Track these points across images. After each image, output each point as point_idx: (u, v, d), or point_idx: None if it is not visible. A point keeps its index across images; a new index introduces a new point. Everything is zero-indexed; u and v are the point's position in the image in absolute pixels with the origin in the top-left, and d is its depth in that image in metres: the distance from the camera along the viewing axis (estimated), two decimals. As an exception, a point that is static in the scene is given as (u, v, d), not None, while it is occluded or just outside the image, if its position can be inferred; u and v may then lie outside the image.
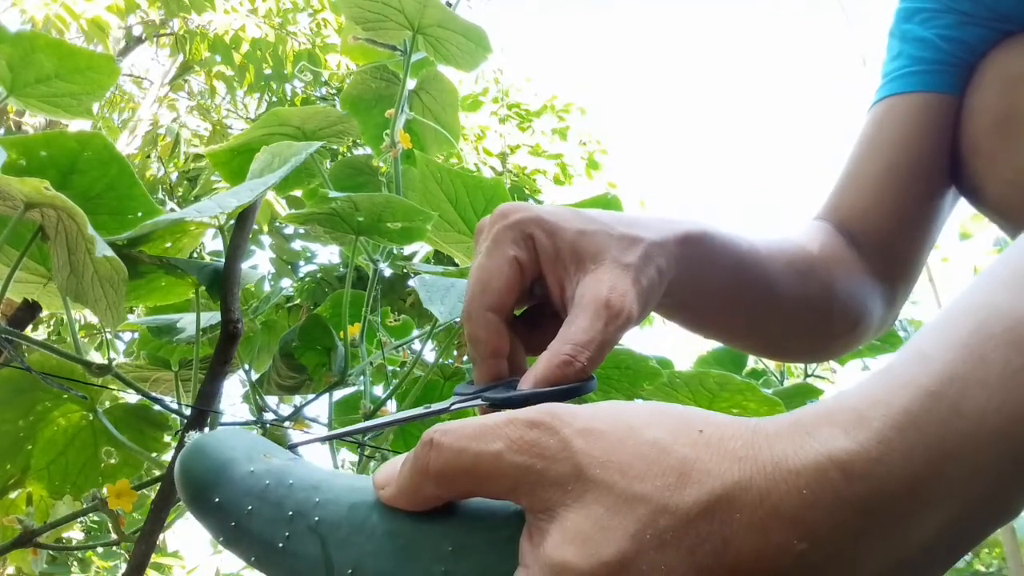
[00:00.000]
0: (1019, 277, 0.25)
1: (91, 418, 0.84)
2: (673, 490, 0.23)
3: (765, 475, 0.23)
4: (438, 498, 0.28)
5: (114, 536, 0.78)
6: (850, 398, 0.24)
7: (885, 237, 0.63)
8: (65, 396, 0.82)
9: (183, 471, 0.32)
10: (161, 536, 0.81)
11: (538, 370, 0.36)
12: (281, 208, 3.96)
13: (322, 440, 0.66)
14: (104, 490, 0.74)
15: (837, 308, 0.58)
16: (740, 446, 0.24)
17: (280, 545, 0.29)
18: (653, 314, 0.47)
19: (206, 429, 0.35)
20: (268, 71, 4.51)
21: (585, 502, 0.24)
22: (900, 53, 0.67)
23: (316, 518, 0.29)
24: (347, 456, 1.27)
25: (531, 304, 0.44)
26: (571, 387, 0.35)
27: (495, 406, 0.37)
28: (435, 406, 0.39)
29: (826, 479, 0.23)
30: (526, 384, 0.36)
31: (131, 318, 1.00)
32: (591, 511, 0.24)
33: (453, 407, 0.38)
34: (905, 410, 0.23)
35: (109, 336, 0.77)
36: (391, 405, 0.98)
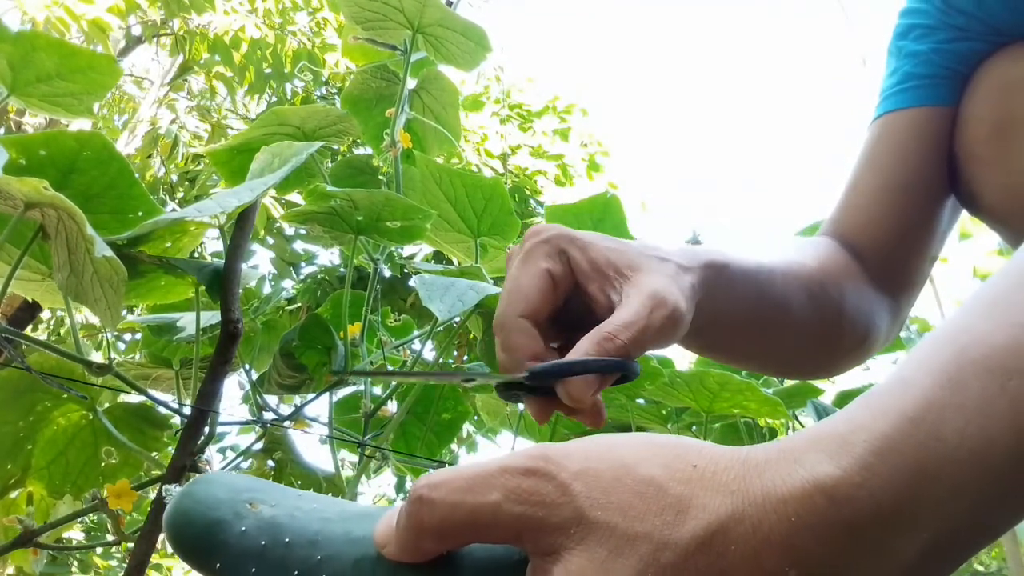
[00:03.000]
0: (999, 304, 0.25)
1: (91, 418, 0.84)
2: (672, 527, 0.24)
3: (756, 505, 0.24)
4: (438, 551, 0.29)
5: (114, 536, 0.78)
6: (836, 424, 0.25)
7: (887, 250, 0.65)
8: (65, 396, 0.82)
9: (175, 542, 0.32)
10: (161, 536, 0.81)
11: (581, 347, 0.37)
12: (277, 211, 3.96)
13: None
14: (104, 490, 0.74)
15: (847, 325, 0.59)
16: (732, 479, 0.25)
17: None
18: None
19: (174, 490, 0.34)
20: (268, 71, 4.51)
21: (588, 544, 0.25)
22: (896, 70, 0.68)
23: None
24: (347, 456, 1.27)
25: (567, 327, 0.45)
26: (617, 361, 0.37)
27: (538, 376, 0.38)
28: (477, 376, 0.40)
29: (813, 505, 0.24)
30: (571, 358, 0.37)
31: (131, 317, 1.00)
32: (594, 553, 0.25)
33: (494, 381, 0.40)
34: (885, 435, 0.24)
35: (109, 336, 0.77)
36: (391, 405, 0.98)
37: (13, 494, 0.90)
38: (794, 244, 0.65)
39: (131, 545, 0.74)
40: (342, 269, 4.68)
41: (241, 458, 0.94)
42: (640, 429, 1.12)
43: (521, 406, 0.82)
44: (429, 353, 1.31)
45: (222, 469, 0.95)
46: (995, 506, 0.24)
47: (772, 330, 0.54)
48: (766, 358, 0.60)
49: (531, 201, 5.50)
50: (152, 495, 0.85)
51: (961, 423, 0.24)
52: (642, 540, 0.24)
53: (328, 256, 4.95)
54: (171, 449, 0.82)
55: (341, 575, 0.29)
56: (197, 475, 0.33)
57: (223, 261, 0.77)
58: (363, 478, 0.97)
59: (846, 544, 0.23)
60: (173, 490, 0.33)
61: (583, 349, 0.37)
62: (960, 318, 0.26)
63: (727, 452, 0.26)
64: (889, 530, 0.24)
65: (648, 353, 0.93)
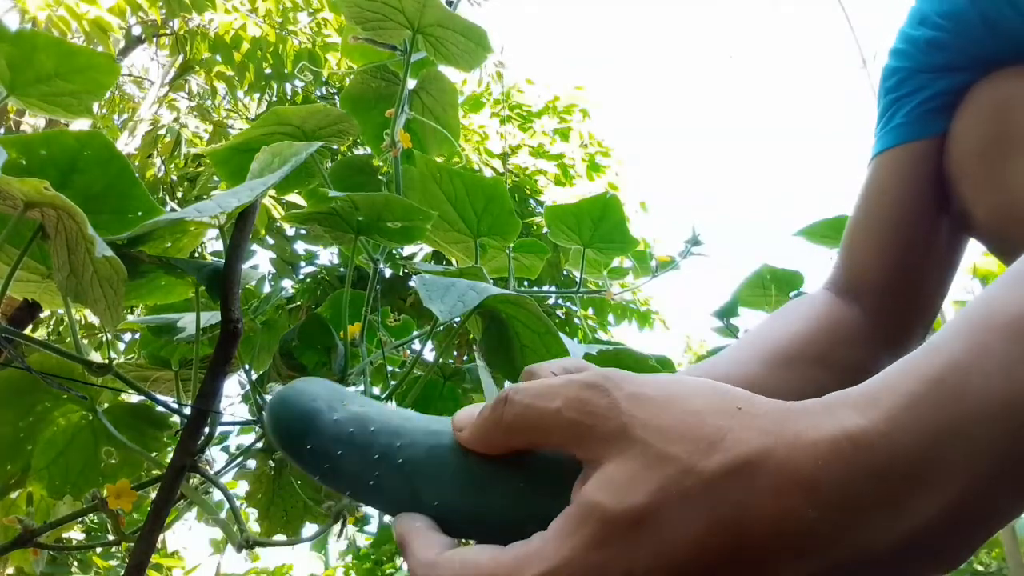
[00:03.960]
0: (1022, 275, 0.27)
1: (91, 418, 0.84)
2: (702, 455, 0.26)
3: (787, 445, 0.26)
4: (506, 446, 0.31)
5: (114, 536, 0.78)
6: (869, 383, 0.27)
7: (893, 287, 0.67)
8: (65, 396, 0.82)
9: (274, 424, 0.36)
10: (161, 536, 0.81)
11: None
12: (277, 212, 3.96)
13: None
14: (104, 490, 0.74)
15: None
16: (770, 422, 0.27)
17: (371, 483, 0.33)
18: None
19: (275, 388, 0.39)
20: (268, 71, 4.50)
21: (625, 457, 0.27)
22: (885, 111, 0.70)
23: (400, 460, 0.33)
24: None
25: None
26: None
27: None
28: None
29: (839, 449, 0.25)
30: None
31: (131, 317, 1.00)
32: (628, 465, 0.27)
33: None
34: (911, 393, 0.25)
35: (109, 336, 0.77)
36: (391, 405, 0.98)
37: (13, 494, 0.90)
38: (795, 317, 0.67)
39: (131, 545, 0.74)
40: (342, 269, 4.68)
41: (241, 458, 0.94)
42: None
43: None
44: (429, 353, 1.32)
45: (222, 469, 0.95)
46: (1017, 467, 0.24)
47: None
48: None
49: (531, 201, 5.49)
50: (152, 495, 0.85)
51: (983, 385, 0.25)
52: (671, 461, 0.26)
53: (328, 256, 4.95)
54: (171, 449, 0.82)
55: (416, 458, 0.32)
56: (297, 380, 0.38)
57: (223, 261, 0.77)
58: (363, 478, 0.97)
59: (866, 491, 0.24)
60: (277, 386, 0.37)
61: None
62: (990, 291, 0.28)
63: (771, 401, 0.28)
64: (908, 484, 0.24)
65: (648, 353, 0.93)
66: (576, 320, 5.00)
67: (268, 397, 0.36)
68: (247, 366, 0.90)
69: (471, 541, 0.31)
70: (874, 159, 0.70)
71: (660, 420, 0.27)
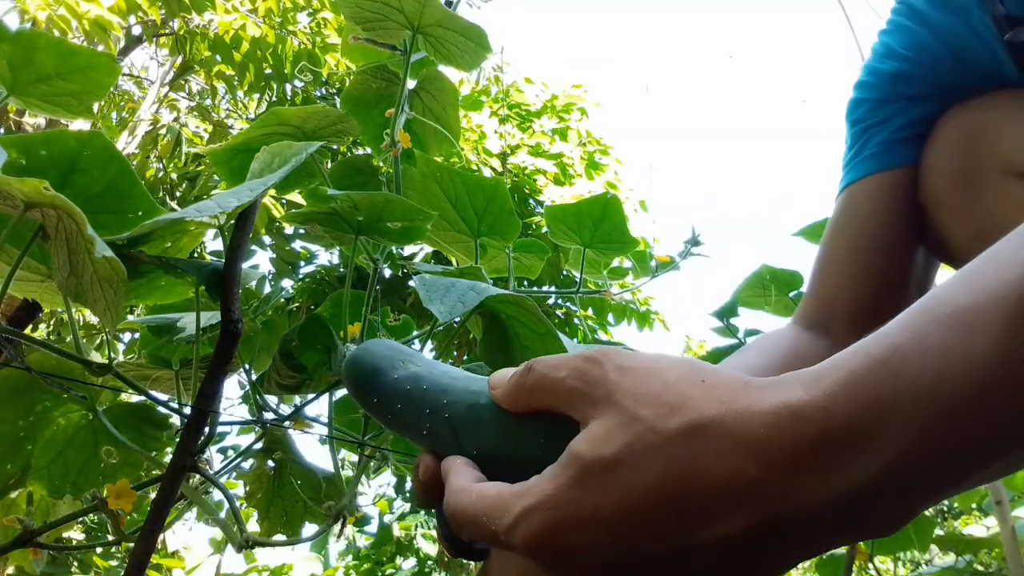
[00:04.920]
0: (968, 274, 0.30)
1: (91, 418, 0.84)
2: (664, 418, 0.31)
3: (736, 415, 0.29)
4: (528, 405, 0.37)
5: (114, 536, 0.78)
6: (822, 363, 0.30)
7: (864, 312, 0.68)
8: (65, 396, 0.82)
9: (348, 378, 0.44)
10: (161, 536, 0.81)
11: None
12: (277, 212, 3.95)
13: None
14: (104, 490, 0.74)
15: None
16: (726, 393, 0.31)
17: (424, 432, 0.40)
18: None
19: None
20: (268, 71, 4.50)
21: (605, 417, 0.32)
22: (855, 142, 0.73)
23: (447, 414, 0.40)
24: (347, 455, 1.27)
25: None
26: None
27: None
28: None
29: (780, 419, 0.29)
30: None
31: (131, 317, 1.00)
32: (607, 423, 0.32)
33: None
34: (851, 371, 0.29)
35: (109, 336, 0.77)
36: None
37: (13, 494, 0.90)
38: (754, 353, 0.69)
39: (131, 545, 0.74)
40: (342, 269, 4.68)
41: (241, 458, 0.94)
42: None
43: None
44: (429, 353, 1.31)
45: (222, 469, 0.95)
46: (944, 440, 0.27)
47: None
48: None
49: (530, 201, 5.49)
50: (152, 495, 0.85)
51: (919, 364, 0.27)
52: (639, 421, 0.31)
53: (327, 255, 4.95)
54: (171, 449, 0.82)
55: (459, 412, 0.39)
56: (367, 341, 0.48)
57: (223, 261, 0.77)
58: (363, 478, 0.97)
59: (804, 458, 0.28)
60: (351, 346, 0.42)
61: None
62: (937, 288, 0.31)
63: (734, 376, 0.32)
64: (844, 451, 0.27)
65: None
66: (576, 320, 5.00)
67: (348, 350, 0.45)
68: (247, 366, 0.90)
69: None
70: (845, 190, 0.71)
71: (637, 388, 0.32)
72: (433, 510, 0.41)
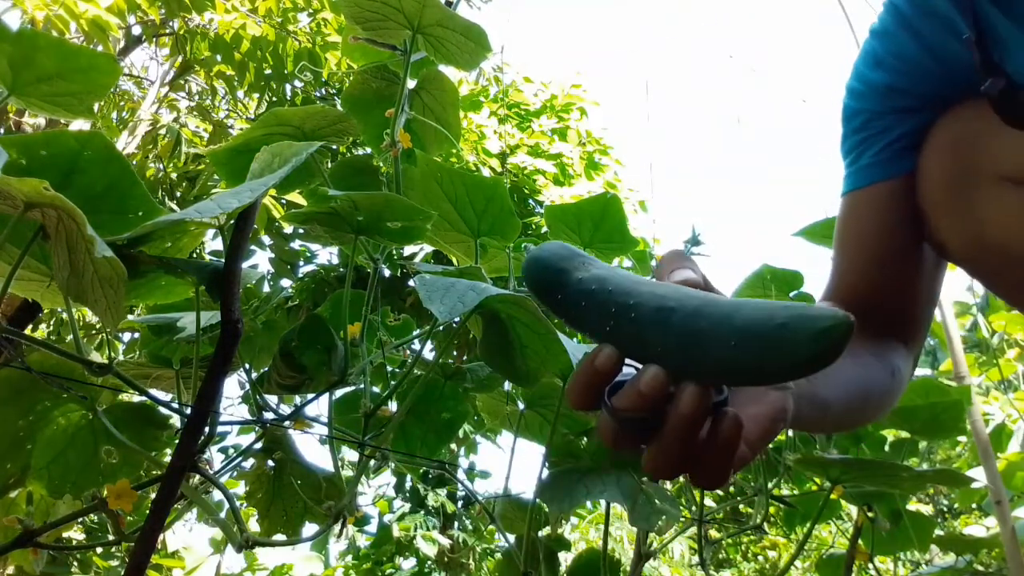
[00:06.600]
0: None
1: (91, 418, 0.84)
2: None
3: None
4: None
5: (114, 536, 0.78)
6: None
7: (886, 308, 0.70)
8: (65, 396, 0.82)
9: (530, 278, 0.45)
10: (161, 536, 0.81)
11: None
12: (277, 212, 3.95)
13: None
14: (104, 490, 0.74)
15: (873, 400, 0.67)
16: None
17: (607, 329, 0.42)
18: None
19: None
20: (268, 71, 4.50)
21: None
22: (852, 149, 0.74)
23: (633, 315, 0.42)
24: (348, 455, 1.27)
25: None
26: None
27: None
28: None
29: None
30: None
31: (131, 317, 1.00)
32: None
33: None
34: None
35: (109, 336, 0.77)
36: (391, 405, 0.98)
37: (13, 494, 0.90)
38: None
39: (131, 545, 0.74)
40: (341, 269, 4.68)
41: (241, 458, 0.94)
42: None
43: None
44: (429, 353, 1.31)
45: (222, 469, 0.95)
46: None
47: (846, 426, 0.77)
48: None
49: (530, 200, 5.49)
50: (152, 495, 0.85)
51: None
52: None
53: (327, 255, 4.95)
54: (171, 449, 0.82)
55: (646, 314, 0.41)
56: (545, 243, 0.48)
57: (223, 261, 0.77)
58: (363, 478, 0.97)
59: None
60: (531, 247, 0.41)
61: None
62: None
63: None
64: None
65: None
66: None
67: (527, 253, 0.47)
68: (247, 366, 0.90)
69: None
70: (848, 195, 0.74)
71: None
72: (594, 408, 0.43)
